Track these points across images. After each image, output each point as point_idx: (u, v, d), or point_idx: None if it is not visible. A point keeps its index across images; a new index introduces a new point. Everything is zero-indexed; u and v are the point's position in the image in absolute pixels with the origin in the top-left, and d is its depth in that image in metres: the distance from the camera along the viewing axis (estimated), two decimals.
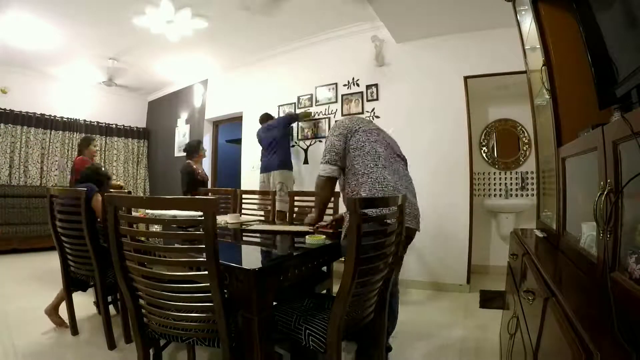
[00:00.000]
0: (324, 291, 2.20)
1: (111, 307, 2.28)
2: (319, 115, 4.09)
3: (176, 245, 1.43)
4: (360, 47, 3.78)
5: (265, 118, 4.05)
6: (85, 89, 5.97)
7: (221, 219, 2.32)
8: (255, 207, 3.08)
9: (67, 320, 2.19)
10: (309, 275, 1.64)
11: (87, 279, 2.12)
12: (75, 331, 2.15)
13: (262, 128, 3.97)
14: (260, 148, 3.94)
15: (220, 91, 5.31)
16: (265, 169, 3.77)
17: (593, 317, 0.65)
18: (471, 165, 3.25)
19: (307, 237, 1.64)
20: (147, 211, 2.13)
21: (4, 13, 3.53)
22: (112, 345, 1.98)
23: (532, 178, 3.72)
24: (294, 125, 4.27)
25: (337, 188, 2.65)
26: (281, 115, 4.30)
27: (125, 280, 1.24)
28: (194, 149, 3.90)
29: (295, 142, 4.25)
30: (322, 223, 1.93)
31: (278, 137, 3.72)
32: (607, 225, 0.86)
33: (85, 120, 5.99)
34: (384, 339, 1.60)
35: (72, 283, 2.16)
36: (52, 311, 2.24)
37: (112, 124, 6.31)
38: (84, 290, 2.22)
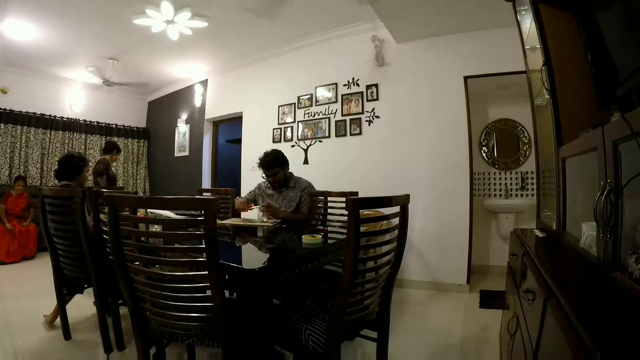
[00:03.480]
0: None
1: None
2: (319, 115, 4.09)
3: (176, 245, 1.43)
4: (360, 47, 3.78)
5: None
6: (85, 89, 5.97)
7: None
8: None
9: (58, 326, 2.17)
10: (311, 275, 1.64)
11: (82, 282, 2.08)
12: (68, 336, 2.10)
13: None
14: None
15: (220, 91, 5.31)
16: None
17: (593, 317, 0.65)
18: (471, 165, 3.25)
19: (303, 237, 1.64)
20: (151, 211, 2.13)
21: (4, 13, 3.53)
22: (108, 348, 1.96)
23: (532, 178, 3.72)
24: (294, 125, 4.27)
25: (330, 187, 2.67)
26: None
27: (125, 280, 1.24)
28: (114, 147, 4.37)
29: (296, 142, 4.26)
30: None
31: None
32: (607, 225, 0.86)
33: (85, 120, 5.98)
34: (387, 339, 1.60)
35: (65, 286, 2.11)
36: (50, 322, 2.26)
37: (112, 124, 6.31)
38: (81, 292, 2.18)
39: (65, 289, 2.13)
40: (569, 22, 1.41)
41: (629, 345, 0.54)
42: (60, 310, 2.11)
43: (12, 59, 4.82)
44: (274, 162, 2.50)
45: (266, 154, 2.55)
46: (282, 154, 2.59)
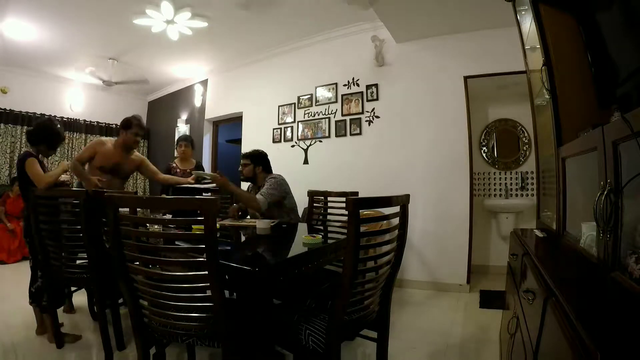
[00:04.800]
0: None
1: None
2: (319, 115, 4.08)
3: (176, 246, 1.43)
4: (360, 47, 3.78)
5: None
6: (85, 89, 5.97)
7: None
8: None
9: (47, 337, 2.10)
10: (311, 275, 1.64)
11: (79, 284, 2.08)
12: (61, 344, 2.02)
13: None
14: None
15: (220, 91, 5.31)
16: None
17: (593, 317, 0.65)
18: (471, 165, 3.25)
19: (303, 237, 1.64)
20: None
21: (4, 13, 3.53)
22: (108, 348, 1.96)
23: (532, 178, 3.72)
24: (294, 125, 4.27)
25: (330, 187, 2.66)
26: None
27: (125, 280, 1.24)
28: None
29: (296, 142, 4.26)
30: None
31: None
32: (607, 225, 0.86)
33: (85, 120, 5.98)
34: (387, 339, 1.60)
35: (53, 296, 2.02)
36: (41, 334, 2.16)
37: (112, 124, 6.30)
38: (69, 298, 2.19)
39: (45, 300, 2.05)
40: (569, 22, 1.41)
41: (629, 346, 0.54)
42: (52, 321, 2.02)
43: (12, 59, 4.82)
44: (249, 155, 2.72)
45: (253, 149, 2.77)
46: (265, 155, 2.73)
